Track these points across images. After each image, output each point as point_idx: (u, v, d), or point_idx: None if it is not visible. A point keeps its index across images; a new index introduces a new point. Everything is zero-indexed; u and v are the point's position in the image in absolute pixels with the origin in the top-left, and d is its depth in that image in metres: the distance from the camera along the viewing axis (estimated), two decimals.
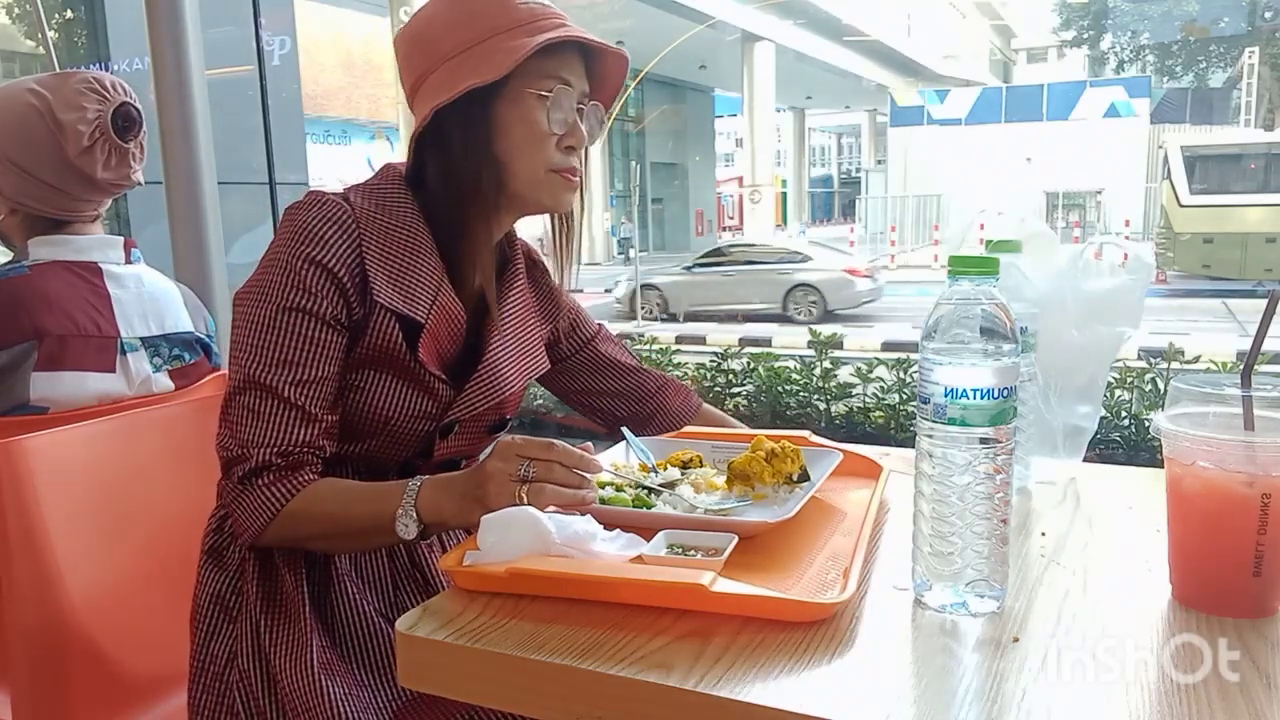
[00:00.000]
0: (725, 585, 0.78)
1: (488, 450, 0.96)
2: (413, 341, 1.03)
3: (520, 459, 0.91)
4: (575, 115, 1.06)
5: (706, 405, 1.37)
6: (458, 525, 0.98)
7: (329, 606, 1.04)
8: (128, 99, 1.43)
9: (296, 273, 0.98)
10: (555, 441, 0.93)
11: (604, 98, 1.12)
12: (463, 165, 1.04)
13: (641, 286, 14.05)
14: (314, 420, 0.99)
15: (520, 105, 1.03)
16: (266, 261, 1.01)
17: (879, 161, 34.02)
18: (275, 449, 0.97)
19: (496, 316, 1.12)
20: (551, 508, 0.93)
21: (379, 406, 1.04)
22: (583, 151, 1.10)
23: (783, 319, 12.91)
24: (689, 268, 14.51)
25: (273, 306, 0.98)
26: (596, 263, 21.28)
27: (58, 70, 1.45)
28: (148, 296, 1.45)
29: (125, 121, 1.41)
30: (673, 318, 13.39)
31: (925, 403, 0.79)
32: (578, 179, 1.09)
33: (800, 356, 4.83)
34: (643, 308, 13.67)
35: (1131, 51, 28.42)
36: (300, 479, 0.98)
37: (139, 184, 1.47)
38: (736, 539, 0.89)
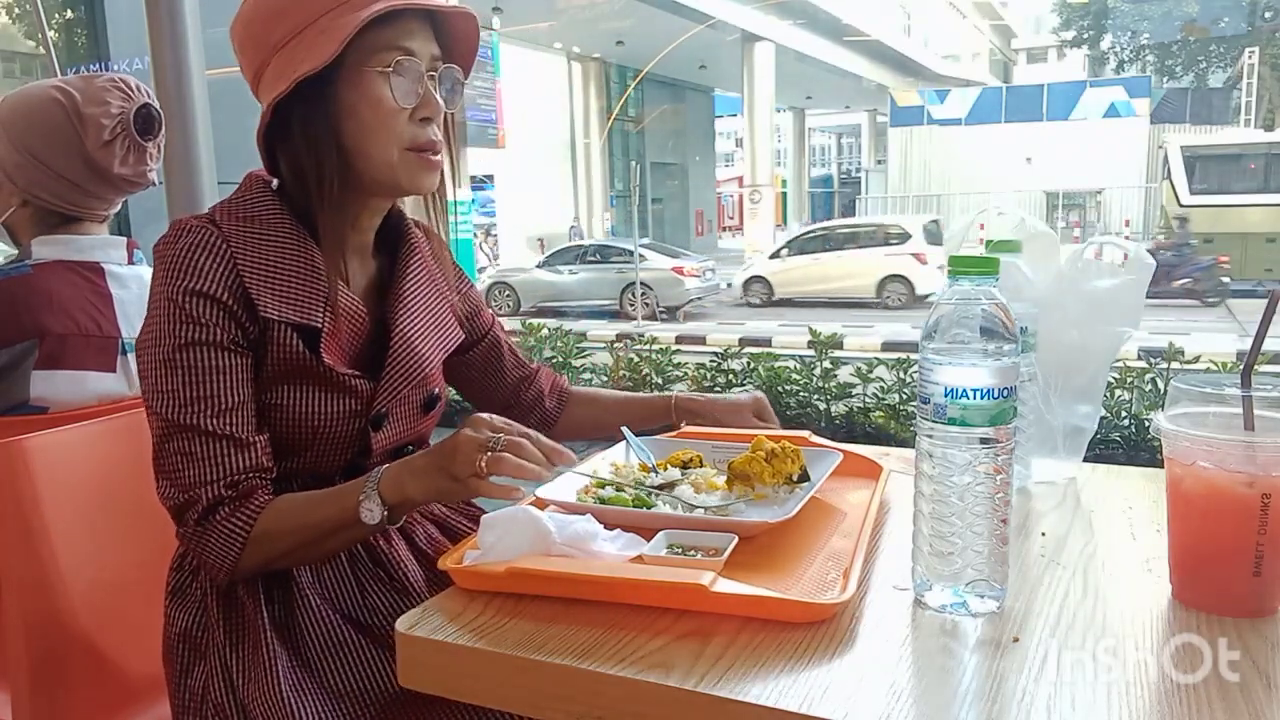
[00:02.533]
0: (725, 585, 0.78)
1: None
2: (316, 347, 1.01)
3: (493, 432, 0.91)
4: (427, 84, 1.01)
5: (577, 389, 1.38)
6: (424, 498, 0.97)
7: (294, 624, 1.02)
8: (149, 101, 1.45)
9: (181, 308, 0.96)
10: (531, 430, 0.93)
11: (460, 59, 1.06)
12: (308, 159, 0.99)
13: (496, 284, 15.05)
14: (248, 445, 0.98)
15: (361, 85, 0.98)
16: (151, 305, 0.99)
17: (879, 161, 34.01)
18: (222, 483, 0.96)
19: (400, 294, 1.09)
20: (552, 507, 0.92)
21: (304, 417, 1.02)
22: (443, 120, 1.04)
23: (619, 315, 13.79)
24: (539, 266, 15.33)
25: (169, 347, 0.96)
26: None
27: (58, 70, 1.46)
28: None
29: (146, 122, 1.44)
30: (531, 312, 14.05)
31: (925, 403, 0.79)
32: (438, 155, 1.04)
33: (800, 356, 4.84)
34: (495, 303, 14.40)
35: (1131, 51, 28.45)
36: (257, 502, 0.97)
37: (154, 184, 1.48)
38: (736, 539, 0.89)
